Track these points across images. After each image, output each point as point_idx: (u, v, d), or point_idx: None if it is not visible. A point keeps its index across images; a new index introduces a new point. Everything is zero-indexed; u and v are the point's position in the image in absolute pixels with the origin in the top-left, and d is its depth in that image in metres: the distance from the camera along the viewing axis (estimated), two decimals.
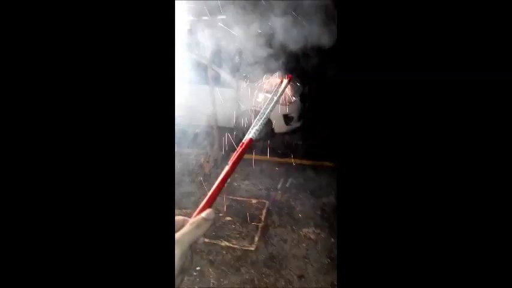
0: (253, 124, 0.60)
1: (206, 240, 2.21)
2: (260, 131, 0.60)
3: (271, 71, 3.98)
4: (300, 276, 1.93)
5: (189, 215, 0.48)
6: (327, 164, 3.23)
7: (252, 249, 2.15)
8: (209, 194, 0.53)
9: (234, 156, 0.56)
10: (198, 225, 0.46)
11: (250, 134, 0.59)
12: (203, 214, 0.48)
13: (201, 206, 0.51)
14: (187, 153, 3.41)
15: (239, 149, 0.58)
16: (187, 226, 0.46)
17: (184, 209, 2.38)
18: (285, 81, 0.69)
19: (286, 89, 0.71)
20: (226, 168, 0.52)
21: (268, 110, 0.63)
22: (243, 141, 0.58)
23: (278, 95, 0.63)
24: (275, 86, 0.70)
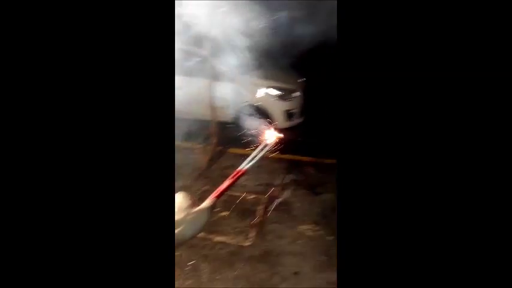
0: (247, 161, 0.62)
1: (201, 235, 2.16)
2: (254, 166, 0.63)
3: (273, 66, 3.90)
4: (296, 273, 1.87)
5: None
6: (327, 161, 3.15)
7: (247, 245, 2.09)
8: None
9: (224, 186, 0.57)
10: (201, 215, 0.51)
11: (246, 167, 0.62)
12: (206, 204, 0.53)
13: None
14: (184, 147, 3.37)
15: (230, 179, 0.59)
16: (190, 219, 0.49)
17: None
18: (271, 142, 0.71)
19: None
20: (210, 201, 0.54)
21: (258, 157, 0.66)
22: (240, 169, 0.60)
23: (261, 153, 0.65)
24: (262, 143, 0.72)
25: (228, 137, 3.60)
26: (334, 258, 1.97)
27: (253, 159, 0.66)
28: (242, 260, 1.97)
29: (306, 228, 2.23)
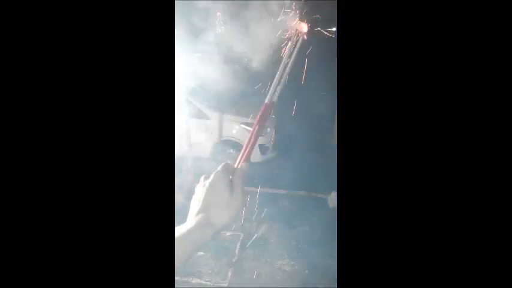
0: (274, 86, 0.58)
1: (177, 278, 2.08)
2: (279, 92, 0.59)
3: (246, 104, 4.14)
4: None
5: None
6: (301, 193, 3.30)
7: (225, 285, 2.05)
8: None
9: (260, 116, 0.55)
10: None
11: (274, 98, 0.58)
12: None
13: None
14: None
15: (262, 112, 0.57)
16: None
17: None
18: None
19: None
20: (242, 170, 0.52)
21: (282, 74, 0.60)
22: (266, 101, 0.57)
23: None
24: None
25: (205, 172, 3.61)
26: None
27: (275, 88, 0.59)
28: None
29: (283, 264, 2.26)
